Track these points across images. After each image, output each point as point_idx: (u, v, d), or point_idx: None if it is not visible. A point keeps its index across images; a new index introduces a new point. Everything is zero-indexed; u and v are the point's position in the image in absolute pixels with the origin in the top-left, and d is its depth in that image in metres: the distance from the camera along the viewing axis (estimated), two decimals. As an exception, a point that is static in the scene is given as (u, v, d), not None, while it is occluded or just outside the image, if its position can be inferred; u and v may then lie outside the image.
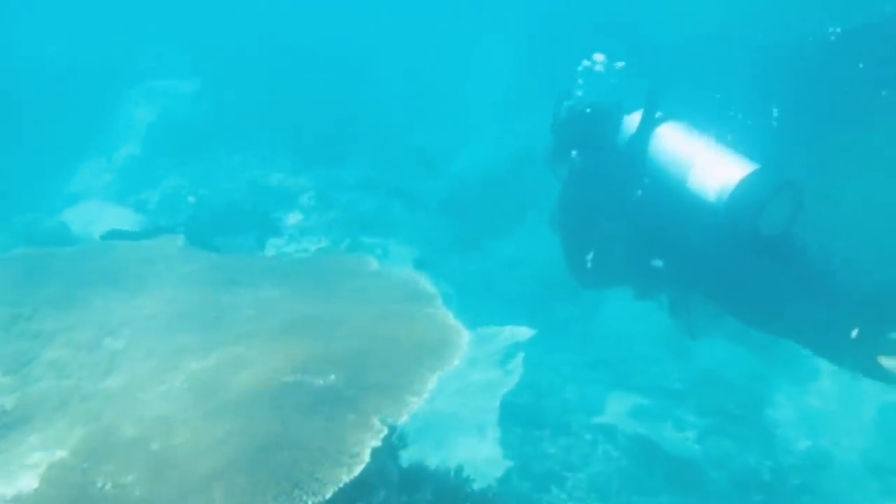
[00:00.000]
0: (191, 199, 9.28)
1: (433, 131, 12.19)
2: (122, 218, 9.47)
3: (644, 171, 3.78)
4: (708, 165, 3.44)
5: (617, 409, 7.94)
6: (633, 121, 3.95)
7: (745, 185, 3.32)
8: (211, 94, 11.58)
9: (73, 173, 11.37)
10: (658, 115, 3.85)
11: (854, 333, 2.90)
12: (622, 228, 3.91)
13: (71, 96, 13.38)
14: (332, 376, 3.19)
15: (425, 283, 4.71)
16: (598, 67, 5.40)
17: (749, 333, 6.47)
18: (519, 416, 7.36)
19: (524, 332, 8.22)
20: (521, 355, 7.81)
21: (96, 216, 9.43)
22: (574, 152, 4.22)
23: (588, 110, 4.28)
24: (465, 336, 3.74)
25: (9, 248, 7.37)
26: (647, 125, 3.80)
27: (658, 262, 3.66)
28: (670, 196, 3.61)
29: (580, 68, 4.70)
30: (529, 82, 11.94)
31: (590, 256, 4.06)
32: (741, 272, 3.37)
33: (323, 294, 4.39)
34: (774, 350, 8.42)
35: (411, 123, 12.01)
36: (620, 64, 5.46)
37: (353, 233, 9.10)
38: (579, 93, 4.51)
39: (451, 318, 3.93)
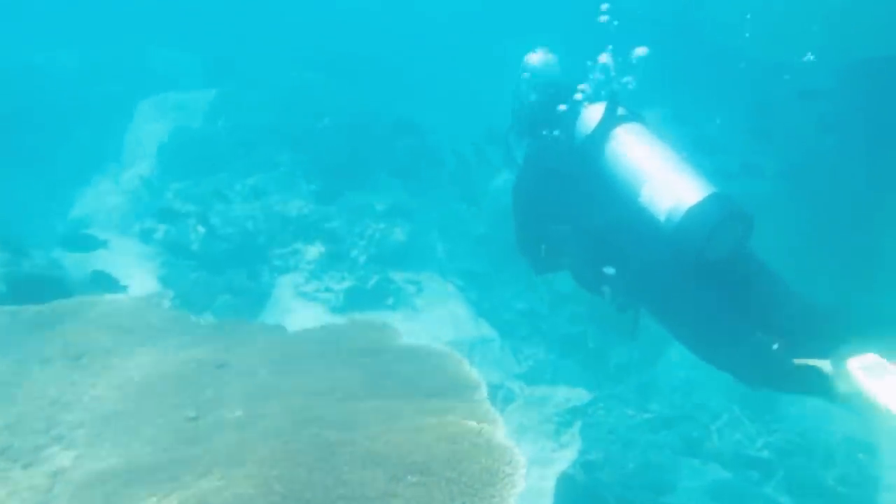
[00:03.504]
0: (200, 228, 8.51)
1: (472, 151, 11.30)
2: (125, 251, 8.77)
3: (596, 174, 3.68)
4: (663, 182, 3.39)
5: (690, 484, 6.92)
6: (591, 113, 3.75)
7: (697, 210, 3.25)
8: (227, 107, 10.85)
9: (79, 195, 10.75)
10: (620, 112, 3.69)
11: (775, 346, 2.97)
12: (570, 232, 3.83)
13: (83, 107, 12.87)
14: (335, 542, 2.31)
15: (464, 365, 3.81)
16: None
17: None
18: (575, 497, 6.39)
19: (580, 395, 7.30)
20: (577, 424, 6.89)
21: (96, 249, 8.73)
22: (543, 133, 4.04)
23: (548, 93, 4.11)
24: (521, 464, 2.83)
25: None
26: (607, 124, 3.64)
27: (610, 270, 3.57)
28: (620, 206, 3.53)
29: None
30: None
31: (543, 247, 4.00)
32: (683, 293, 3.38)
33: (335, 385, 3.52)
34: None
35: (448, 142, 11.09)
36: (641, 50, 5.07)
37: (383, 267, 8.25)
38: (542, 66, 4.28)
39: (501, 433, 3.02)
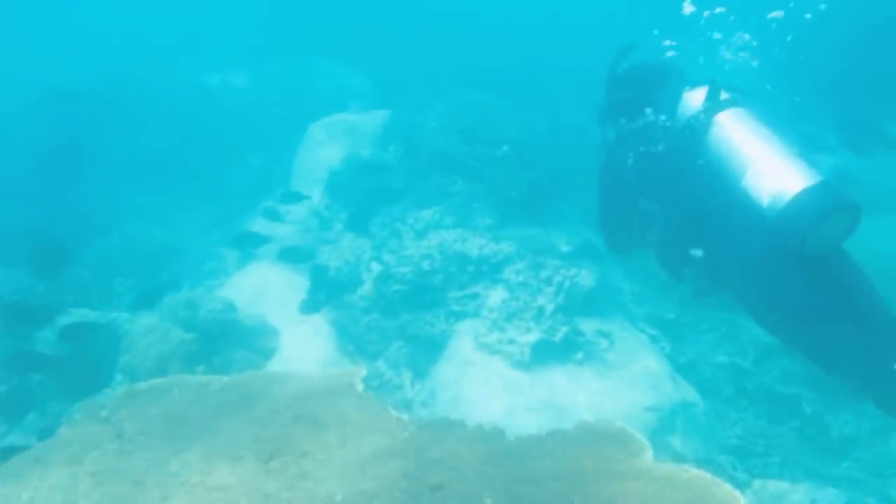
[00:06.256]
0: (374, 266, 8.15)
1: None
2: (294, 287, 8.57)
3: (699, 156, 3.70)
4: (768, 168, 3.37)
5: None
6: (692, 97, 3.80)
7: (803, 198, 3.23)
8: (398, 131, 10.52)
9: (248, 225, 10.76)
10: (724, 97, 3.72)
11: None
12: (661, 211, 3.87)
13: (254, 130, 13.07)
14: None
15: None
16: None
17: None
18: None
19: (820, 490, 6.24)
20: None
21: (267, 287, 8.60)
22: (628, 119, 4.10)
23: (647, 72, 4.18)
24: None
25: (167, 338, 6.61)
26: (711, 108, 3.68)
27: (697, 252, 3.61)
28: (721, 189, 3.54)
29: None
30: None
31: (626, 231, 4.10)
32: (780, 283, 3.32)
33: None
34: None
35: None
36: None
37: (570, 317, 7.52)
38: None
39: None
